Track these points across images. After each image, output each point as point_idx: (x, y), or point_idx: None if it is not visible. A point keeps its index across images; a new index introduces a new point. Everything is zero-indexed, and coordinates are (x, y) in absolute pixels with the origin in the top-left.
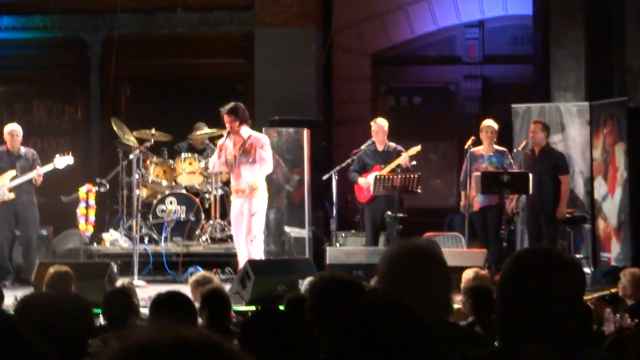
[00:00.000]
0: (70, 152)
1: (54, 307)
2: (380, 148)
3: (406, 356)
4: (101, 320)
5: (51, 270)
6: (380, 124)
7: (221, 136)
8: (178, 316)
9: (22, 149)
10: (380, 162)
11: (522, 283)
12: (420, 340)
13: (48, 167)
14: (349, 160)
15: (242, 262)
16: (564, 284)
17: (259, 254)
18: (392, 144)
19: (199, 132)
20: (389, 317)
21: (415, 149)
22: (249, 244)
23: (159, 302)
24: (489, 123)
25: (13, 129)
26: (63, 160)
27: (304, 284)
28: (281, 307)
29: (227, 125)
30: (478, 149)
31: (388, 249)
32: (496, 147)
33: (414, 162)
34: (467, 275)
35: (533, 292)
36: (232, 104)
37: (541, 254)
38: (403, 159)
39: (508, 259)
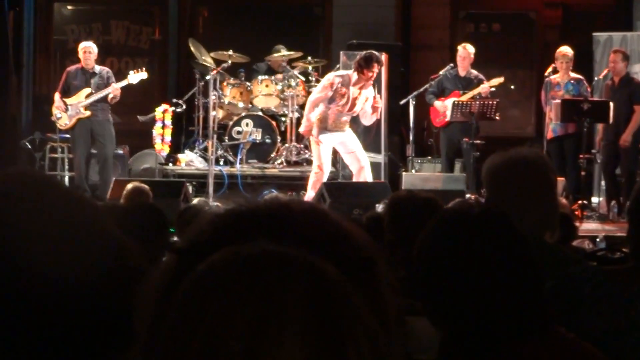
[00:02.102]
0: (145, 69)
1: (130, 216)
2: (462, 73)
3: (499, 266)
4: (175, 239)
5: (129, 186)
6: (467, 50)
7: (297, 59)
8: None
9: (97, 67)
10: (460, 87)
11: None
12: (516, 252)
13: (122, 83)
14: (426, 86)
15: None
16: None
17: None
18: (474, 72)
19: (277, 54)
20: (481, 223)
21: (497, 80)
22: (362, 172)
23: None
24: (564, 51)
25: (87, 45)
26: (137, 76)
27: (380, 208)
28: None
29: (373, 75)
30: (555, 77)
31: (493, 157)
32: (572, 74)
33: (493, 89)
34: None
35: None
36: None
37: None
38: (483, 88)
39: None
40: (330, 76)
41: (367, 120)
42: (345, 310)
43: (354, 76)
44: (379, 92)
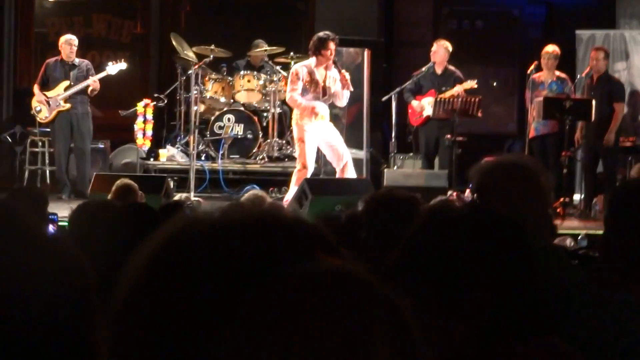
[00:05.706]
0: (124, 60)
1: (120, 214)
2: (438, 71)
3: (499, 265)
4: None
5: (118, 182)
6: (441, 45)
7: (279, 54)
8: None
9: (77, 60)
10: (437, 85)
11: (630, 210)
12: (519, 252)
13: (101, 74)
14: (409, 82)
15: None
16: None
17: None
18: (452, 68)
19: (258, 50)
20: (482, 221)
21: (470, 84)
22: (346, 168)
23: None
24: (550, 48)
25: (71, 38)
26: (116, 67)
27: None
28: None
29: (331, 53)
30: (539, 75)
31: (485, 163)
32: (557, 73)
33: (475, 86)
34: None
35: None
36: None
37: None
38: (457, 91)
39: (616, 187)
40: (293, 69)
41: (342, 99)
42: (415, 339)
43: (314, 60)
44: (361, 88)
